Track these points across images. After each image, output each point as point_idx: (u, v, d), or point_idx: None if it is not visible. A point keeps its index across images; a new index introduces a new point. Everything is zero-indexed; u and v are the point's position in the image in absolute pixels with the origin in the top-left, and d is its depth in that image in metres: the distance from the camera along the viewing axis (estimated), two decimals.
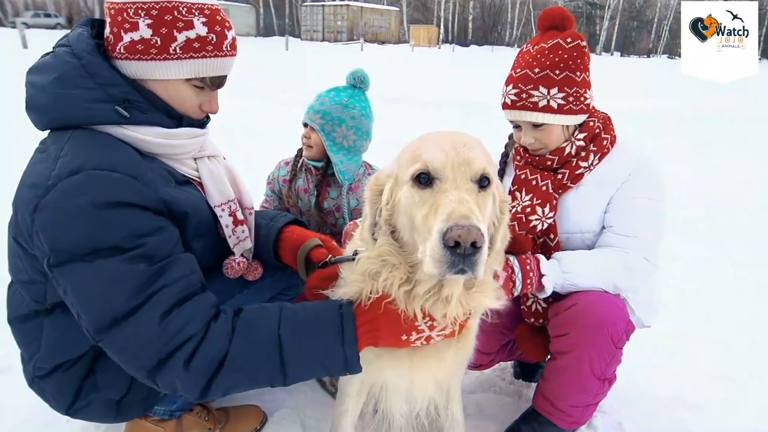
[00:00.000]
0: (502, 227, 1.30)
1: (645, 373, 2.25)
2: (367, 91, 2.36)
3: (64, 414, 1.52)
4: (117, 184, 1.23)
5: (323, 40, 53.02)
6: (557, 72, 1.62)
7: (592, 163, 1.71)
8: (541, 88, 1.62)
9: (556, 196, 1.72)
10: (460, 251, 1.01)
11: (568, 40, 1.63)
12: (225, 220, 1.55)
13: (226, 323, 1.27)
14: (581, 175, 1.71)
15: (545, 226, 1.72)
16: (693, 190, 5.33)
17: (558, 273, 1.62)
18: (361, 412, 1.68)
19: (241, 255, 1.62)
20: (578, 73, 1.64)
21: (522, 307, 1.84)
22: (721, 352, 2.46)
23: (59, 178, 1.20)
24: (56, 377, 1.46)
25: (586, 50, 1.67)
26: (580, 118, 1.70)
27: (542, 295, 1.67)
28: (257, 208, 1.76)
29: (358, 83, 2.32)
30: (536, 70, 1.63)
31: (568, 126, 1.70)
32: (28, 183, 1.26)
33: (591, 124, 1.71)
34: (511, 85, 1.69)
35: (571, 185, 1.72)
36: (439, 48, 51.04)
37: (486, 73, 20.12)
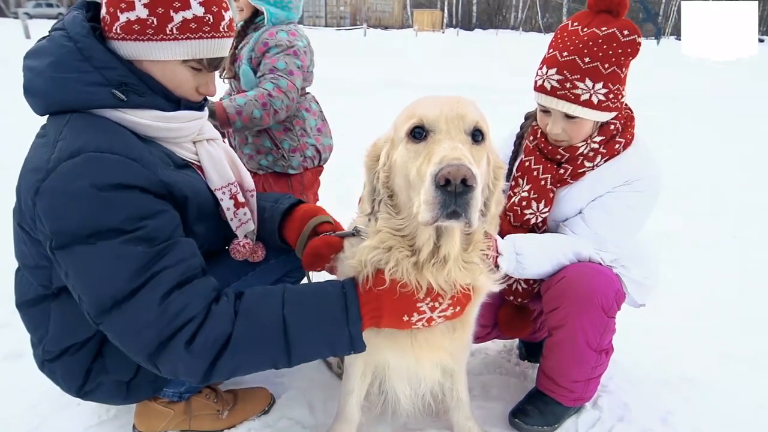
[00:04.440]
0: (497, 192, 1.31)
1: (651, 353, 2.25)
2: None
3: (75, 396, 1.54)
4: (117, 166, 1.22)
5: (326, 25, 52.65)
6: (607, 66, 1.51)
7: (597, 164, 1.67)
8: (588, 81, 1.51)
9: (554, 190, 1.70)
10: (451, 189, 1.02)
11: (625, 32, 1.51)
12: (226, 203, 1.55)
13: (228, 306, 1.27)
14: (583, 173, 1.68)
15: (539, 220, 1.72)
16: (700, 170, 5.28)
17: (512, 254, 1.59)
18: (367, 392, 1.70)
19: (245, 237, 1.63)
20: (624, 70, 1.55)
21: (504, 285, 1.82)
22: (727, 331, 2.46)
23: (59, 161, 1.20)
24: (65, 360, 1.48)
25: (640, 46, 1.55)
26: (611, 116, 1.62)
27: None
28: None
29: None
30: (586, 60, 1.50)
31: (597, 122, 1.63)
32: (29, 168, 1.26)
33: (611, 126, 1.64)
34: (554, 69, 1.55)
35: (571, 181, 1.70)
36: (443, 32, 50.47)
37: (491, 57, 19.89)
